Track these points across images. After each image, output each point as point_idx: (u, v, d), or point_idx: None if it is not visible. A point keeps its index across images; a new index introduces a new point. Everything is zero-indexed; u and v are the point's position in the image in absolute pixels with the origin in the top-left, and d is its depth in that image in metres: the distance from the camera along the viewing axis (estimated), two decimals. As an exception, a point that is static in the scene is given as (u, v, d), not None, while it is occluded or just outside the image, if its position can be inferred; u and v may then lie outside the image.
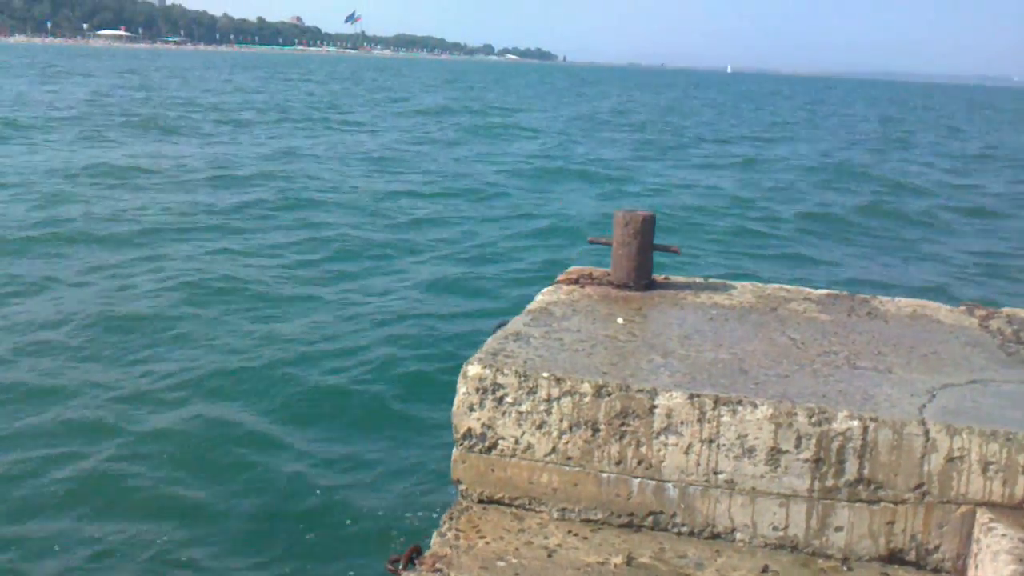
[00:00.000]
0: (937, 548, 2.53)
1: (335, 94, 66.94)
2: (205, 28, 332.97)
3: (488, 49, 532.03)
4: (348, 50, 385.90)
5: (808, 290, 3.98)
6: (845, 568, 2.55)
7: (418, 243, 16.36)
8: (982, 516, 2.44)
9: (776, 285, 4.05)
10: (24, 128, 31.57)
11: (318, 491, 6.83)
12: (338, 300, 12.36)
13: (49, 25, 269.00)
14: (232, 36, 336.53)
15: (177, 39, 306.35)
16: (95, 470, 7.05)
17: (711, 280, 4.08)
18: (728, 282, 4.06)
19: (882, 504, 2.54)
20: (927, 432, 2.48)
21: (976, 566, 2.40)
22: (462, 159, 29.67)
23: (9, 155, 24.81)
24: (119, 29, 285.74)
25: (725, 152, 36.36)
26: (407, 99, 64.14)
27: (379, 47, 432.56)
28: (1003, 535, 2.32)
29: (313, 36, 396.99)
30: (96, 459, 7.20)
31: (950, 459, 2.47)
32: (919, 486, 2.51)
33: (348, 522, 6.40)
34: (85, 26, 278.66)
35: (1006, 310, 3.73)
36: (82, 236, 15.20)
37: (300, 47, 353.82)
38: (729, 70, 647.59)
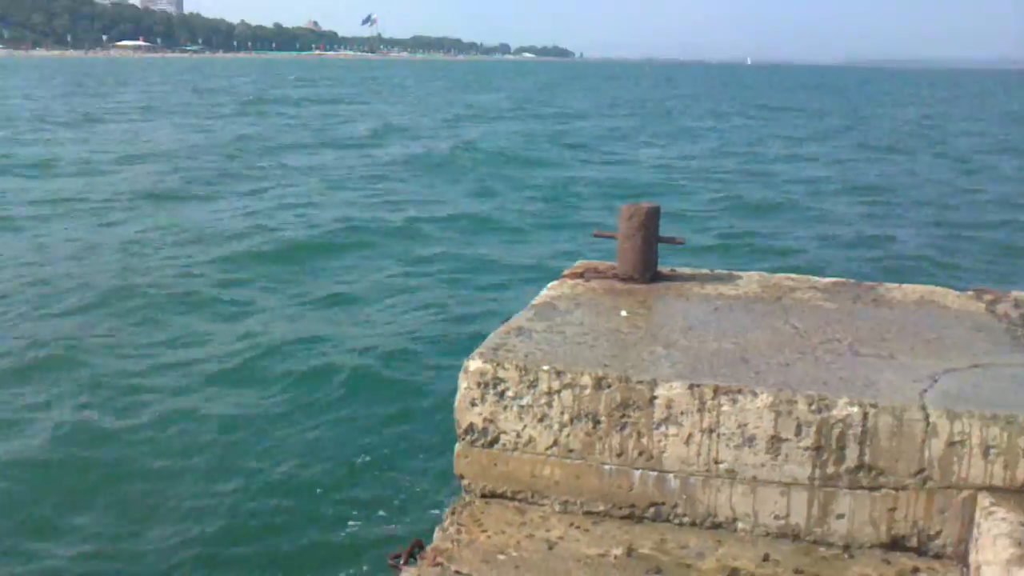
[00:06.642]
0: (938, 534, 2.52)
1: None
2: (223, 36, 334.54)
3: (504, 48, 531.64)
4: (366, 53, 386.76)
5: (815, 279, 3.96)
6: (847, 556, 2.54)
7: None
8: (983, 500, 2.43)
9: (782, 275, 4.03)
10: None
11: (320, 488, 6.84)
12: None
13: (69, 38, 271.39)
14: (250, 43, 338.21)
15: (195, 48, 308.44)
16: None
17: (717, 271, 4.07)
18: (735, 272, 4.06)
19: (883, 490, 2.53)
20: (927, 417, 2.47)
21: (976, 550, 2.39)
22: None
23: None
24: (138, 40, 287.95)
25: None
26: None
27: (396, 49, 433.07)
28: (1003, 519, 2.31)
29: (330, 40, 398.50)
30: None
31: (951, 443, 2.46)
32: (920, 471, 2.50)
33: (351, 518, 6.42)
34: (104, 38, 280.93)
35: (1015, 293, 3.70)
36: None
37: (317, 51, 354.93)
38: (749, 62, 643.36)
